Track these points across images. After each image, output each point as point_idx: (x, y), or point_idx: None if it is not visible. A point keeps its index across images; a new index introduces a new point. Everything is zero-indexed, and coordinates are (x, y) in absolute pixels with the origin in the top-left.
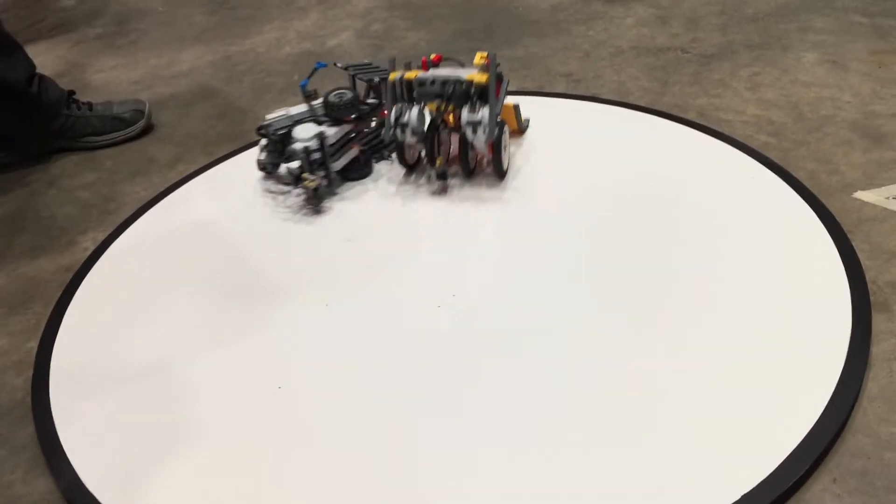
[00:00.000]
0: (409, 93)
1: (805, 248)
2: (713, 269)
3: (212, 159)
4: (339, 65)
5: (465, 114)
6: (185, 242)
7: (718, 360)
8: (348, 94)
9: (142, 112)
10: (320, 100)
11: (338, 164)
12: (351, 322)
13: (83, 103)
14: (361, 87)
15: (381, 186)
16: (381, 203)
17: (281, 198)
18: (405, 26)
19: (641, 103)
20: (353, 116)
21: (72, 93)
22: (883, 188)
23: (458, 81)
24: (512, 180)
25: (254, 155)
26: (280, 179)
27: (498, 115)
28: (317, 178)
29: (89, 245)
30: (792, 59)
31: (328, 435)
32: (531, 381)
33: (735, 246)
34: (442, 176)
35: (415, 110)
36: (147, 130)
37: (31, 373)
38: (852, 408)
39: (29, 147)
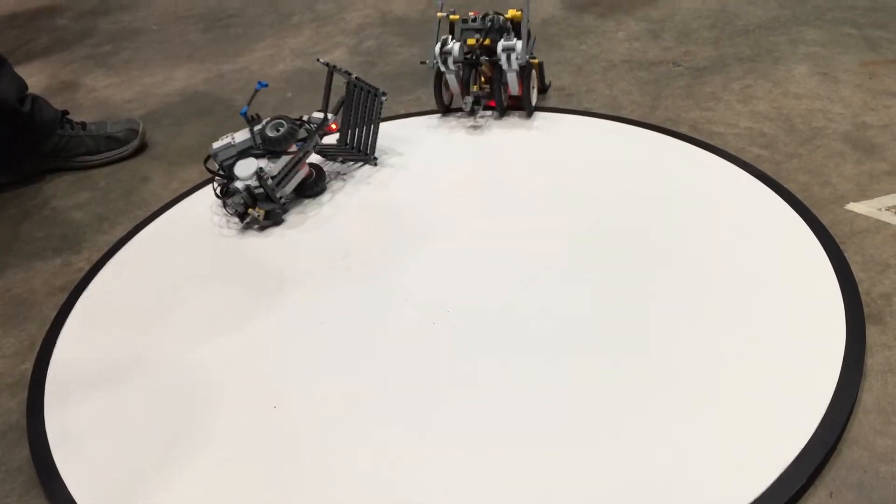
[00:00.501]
0: (451, 33)
1: (798, 260)
2: (706, 282)
3: (206, 177)
4: (321, 60)
5: (501, 42)
6: (179, 261)
7: (713, 373)
8: (284, 126)
9: (136, 131)
10: (263, 122)
11: (287, 189)
12: (344, 339)
13: (77, 123)
14: (339, 87)
15: (375, 198)
16: (376, 216)
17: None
18: (398, 42)
19: (634, 117)
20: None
21: (65, 113)
22: (875, 199)
23: (497, 15)
24: (504, 190)
25: None
26: (226, 210)
27: (529, 48)
28: (262, 209)
29: (84, 265)
30: (783, 71)
31: (325, 453)
32: (527, 398)
33: (728, 259)
34: (476, 102)
35: (457, 44)
36: (141, 149)
37: (25, 395)
38: (848, 420)
39: (22, 167)
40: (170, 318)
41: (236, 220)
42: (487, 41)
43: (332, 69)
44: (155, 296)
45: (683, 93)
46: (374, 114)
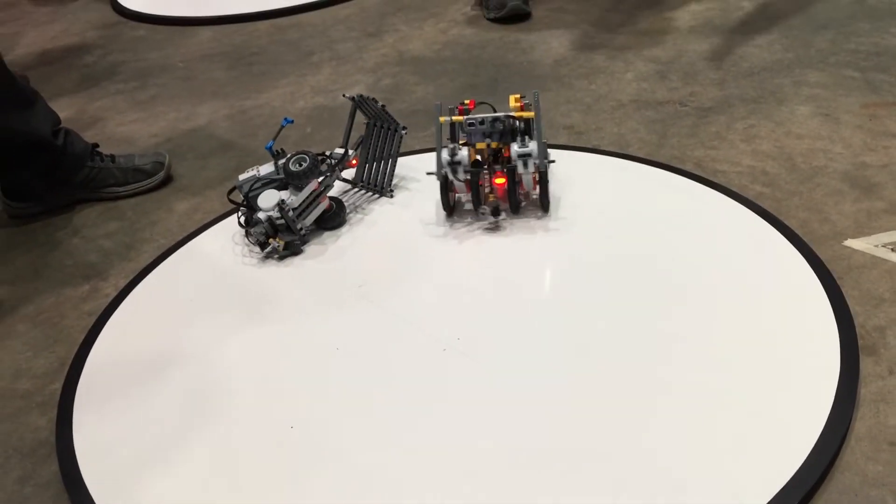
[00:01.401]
0: (453, 136)
1: (796, 294)
2: (708, 312)
3: (228, 208)
4: (346, 95)
5: (514, 147)
6: (201, 288)
7: (712, 397)
8: (307, 160)
9: (162, 164)
10: (287, 157)
11: (307, 221)
12: (358, 363)
13: (106, 156)
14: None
15: (391, 231)
16: (392, 247)
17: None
18: (414, 81)
19: (640, 154)
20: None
21: (95, 146)
22: (872, 236)
23: (508, 117)
24: (515, 224)
25: None
26: (247, 239)
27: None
28: (282, 239)
29: (111, 291)
30: (786, 112)
31: (340, 469)
32: (532, 413)
33: (728, 292)
34: (496, 212)
35: (465, 150)
36: (167, 181)
37: (54, 413)
38: (840, 447)
39: (54, 198)
40: (192, 341)
41: (257, 249)
42: (495, 144)
43: (357, 101)
44: (178, 320)
45: (689, 132)
46: (392, 148)
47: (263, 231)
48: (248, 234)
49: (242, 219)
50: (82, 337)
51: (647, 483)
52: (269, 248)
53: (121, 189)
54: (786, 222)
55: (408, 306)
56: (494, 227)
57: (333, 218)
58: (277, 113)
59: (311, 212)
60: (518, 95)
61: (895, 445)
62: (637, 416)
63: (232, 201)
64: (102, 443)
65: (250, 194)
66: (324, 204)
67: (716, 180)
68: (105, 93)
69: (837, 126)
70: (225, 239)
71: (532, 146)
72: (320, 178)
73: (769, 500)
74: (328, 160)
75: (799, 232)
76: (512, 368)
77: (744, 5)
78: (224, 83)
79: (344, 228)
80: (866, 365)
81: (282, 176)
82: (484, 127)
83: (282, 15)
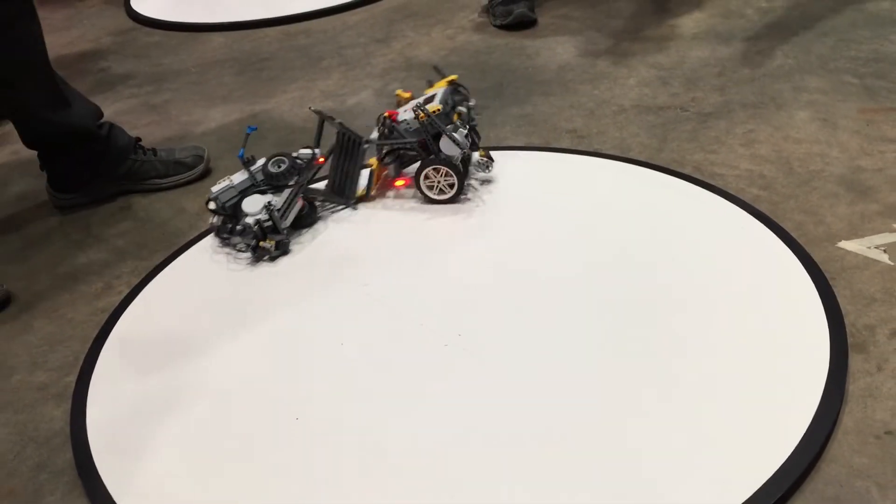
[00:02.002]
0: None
1: (788, 293)
2: (701, 310)
3: None
4: (312, 108)
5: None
6: (212, 285)
7: (705, 389)
8: (286, 162)
9: (201, 157)
10: (259, 163)
11: (288, 221)
12: (362, 358)
13: (148, 149)
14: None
15: (396, 229)
16: (396, 247)
17: (302, 243)
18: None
19: (641, 158)
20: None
21: (138, 140)
22: (865, 238)
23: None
24: (516, 224)
25: None
26: (235, 247)
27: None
28: (272, 240)
29: (123, 289)
30: (785, 117)
31: (343, 465)
32: (530, 406)
33: (722, 290)
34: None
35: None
36: (206, 173)
37: (69, 404)
38: (827, 439)
39: (99, 189)
40: (202, 336)
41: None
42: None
43: (322, 116)
44: (187, 317)
45: (689, 136)
46: (357, 160)
47: (254, 235)
48: (226, 243)
49: (219, 228)
50: (95, 332)
51: (638, 472)
52: (260, 252)
53: (162, 181)
54: (781, 224)
55: (411, 304)
56: (498, 226)
57: (308, 217)
58: (287, 117)
59: (290, 212)
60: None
61: (881, 439)
62: (630, 409)
63: (211, 211)
64: (115, 433)
65: (228, 203)
66: (300, 203)
67: (714, 183)
68: (119, 97)
69: (835, 131)
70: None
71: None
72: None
73: (757, 488)
74: (298, 161)
75: (794, 233)
76: (512, 364)
77: (747, 13)
78: (234, 88)
79: (346, 228)
80: (855, 361)
81: (256, 182)
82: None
83: (292, 22)
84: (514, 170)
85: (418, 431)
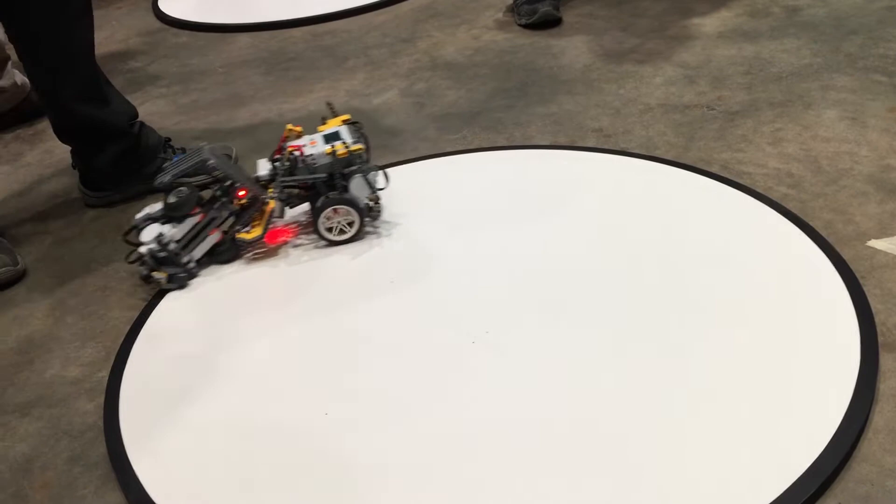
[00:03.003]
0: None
1: (819, 292)
2: (731, 310)
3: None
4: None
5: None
6: (241, 282)
7: (735, 388)
8: (184, 192)
9: (229, 157)
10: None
11: (197, 253)
12: (390, 353)
13: (178, 149)
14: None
15: (422, 228)
16: (422, 244)
17: (328, 245)
18: (446, 85)
19: (668, 157)
20: (199, 209)
21: (168, 140)
22: (895, 237)
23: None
24: (541, 223)
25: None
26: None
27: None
28: (165, 272)
29: (154, 285)
30: (813, 115)
31: (370, 459)
32: (552, 403)
33: (752, 289)
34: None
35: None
36: None
37: (102, 399)
38: (858, 438)
39: (129, 187)
40: (232, 332)
41: (297, 243)
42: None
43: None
44: (218, 313)
45: (716, 135)
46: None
47: (147, 265)
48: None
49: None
50: (127, 328)
51: (668, 470)
52: (154, 283)
53: (189, 180)
54: (810, 223)
55: (438, 301)
56: (525, 225)
57: (225, 252)
58: (314, 115)
59: (199, 244)
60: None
61: None
62: (660, 407)
63: (128, 242)
64: (147, 426)
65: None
66: (215, 235)
67: (741, 182)
68: (148, 97)
69: (864, 129)
70: None
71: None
72: (205, 210)
73: (788, 486)
74: (216, 192)
75: (823, 232)
76: (539, 361)
77: (773, 11)
78: (261, 87)
79: (372, 224)
80: (886, 361)
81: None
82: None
83: (318, 22)
84: (540, 168)
85: (443, 426)
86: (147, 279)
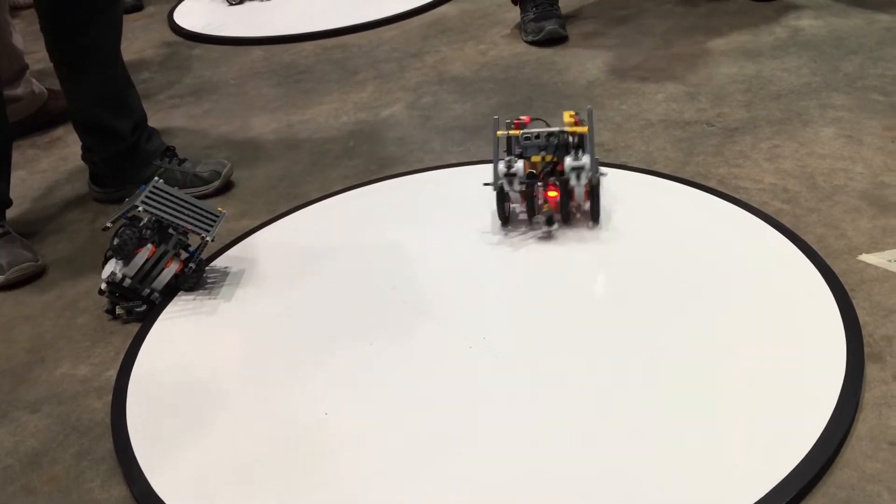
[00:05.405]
0: (509, 149)
1: (808, 303)
2: (722, 318)
3: (273, 216)
4: (107, 225)
5: (568, 161)
6: (246, 287)
7: (721, 392)
8: (126, 233)
9: (219, 173)
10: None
11: (158, 285)
12: (390, 357)
13: (183, 160)
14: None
15: (422, 236)
16: (423, 253)
17: (333, 251)
18: (452, 99)
19: (666, 171)
20: (147, 245)
21: (170, 148)
22: (886, 251)
23: (562, 132)
24: (541, 236)
25: (310, 214)
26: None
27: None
28: (124, 307)
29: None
30: (811, 133)
31: (368, 460)
32: (546, 406)
33: (742, 299)
34: (549, 221)
35: (520, 163)
36: (226, 188)
37: (110, 397)
38: (841, 444)
39: (128, 189)
40: (237, 335)
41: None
42: (550, 157)
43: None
44: (224, 316)
45: (714, 150)
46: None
47: (108, 301)
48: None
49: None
50: (136, 329)
51: (652, 472)
52: (117, 316)
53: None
54: (803, 237)
55: (437, 308)
56: (524, 236)
57: (187, 279)
58: (323, 127)
59: (157, 276)
60: (572, 112)
61: (894, 446)
62: (647, 410)
63: (101, 291)
64: (154, 423)
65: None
66: (173, 266)
67: (737, 196)
68: (161, 107)
69: (859, 147)
70: (269, 243)
71: (585, 160)
72: (156, 244)
73: (770, 489)
74: (177, 234)
75: (815, 246)
76: (534, 367)
77: (776, 31)
78: (272, 99)
79: (377, 235)
80: (871, 371)
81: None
82: (539, 141)
83: (329, 36)
84: None
85: (441, 430)
86: (111, 313)
